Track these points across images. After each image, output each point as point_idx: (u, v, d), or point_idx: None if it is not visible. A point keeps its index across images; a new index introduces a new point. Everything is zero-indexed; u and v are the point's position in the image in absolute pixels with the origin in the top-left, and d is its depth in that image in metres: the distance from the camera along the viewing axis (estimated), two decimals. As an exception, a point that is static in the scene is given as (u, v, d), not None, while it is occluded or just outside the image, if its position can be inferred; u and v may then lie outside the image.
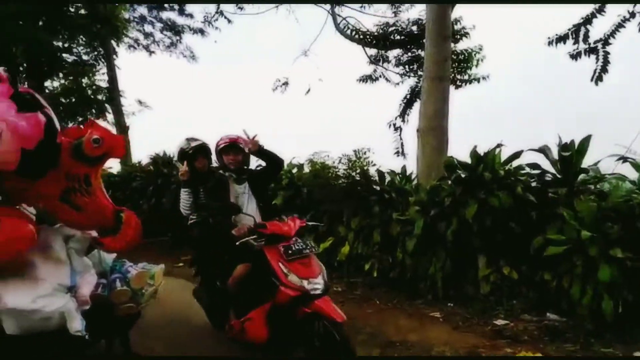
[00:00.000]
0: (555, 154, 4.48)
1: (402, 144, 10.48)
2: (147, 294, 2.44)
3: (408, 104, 10.42)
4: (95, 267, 2.36)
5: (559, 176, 4.44)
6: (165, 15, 13.78)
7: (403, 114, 10.47)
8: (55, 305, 1.90)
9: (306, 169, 6.65)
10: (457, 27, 9.67)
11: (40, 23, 10.27)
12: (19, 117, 1.83)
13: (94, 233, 2.32)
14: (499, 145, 4.69)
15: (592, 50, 5.91)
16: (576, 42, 5.98)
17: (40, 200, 2.24)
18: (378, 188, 5.60)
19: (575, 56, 6.07)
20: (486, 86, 10.50)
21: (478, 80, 10.39)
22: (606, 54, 5.84)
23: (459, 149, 4.84)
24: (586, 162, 4.39)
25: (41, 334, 1.88)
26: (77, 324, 1.93)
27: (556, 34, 6.07)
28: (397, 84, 11.07)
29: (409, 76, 10.85)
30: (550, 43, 6.17)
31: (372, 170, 5.88)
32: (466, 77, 10.43)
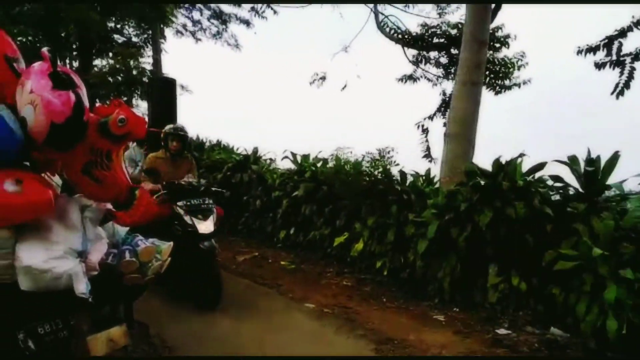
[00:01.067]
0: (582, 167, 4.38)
1: (428, 147, 10.29)
2: (154, 267, 2.58)
3: (443, 106, 10.29)
4: (108, 238, 2.54)
5: (581, 191, 4.35)
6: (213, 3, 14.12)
7: (433, 116, 10.35)
8: (64, 267, 2.08)
9: (330, 164, 6.72)
10: (498, 34, 9.48)
11: (96, 4, 10.76)
12: (53, 93, 2.01)
13: (109, 206, 2.50)
14: (521, 155, 4.63)
15: (618, 63, 5.71)
16: (608, 54, 5.77)
17: (64, 170, 2.44)
18: (399, 188, 5.59)
19: (600, 66, 5.87)
20: (529, 91, 10.25)
21: (519, 85, 10.15)
22: (632, 69, 5.63)
23: (492, 155, 4.74)
24: (614, 179, 4.29)
25: (51, 291, 2.07)
26: (82, 287, 2.10)
27: (587, 45, 5.88)
28: (435, 84, 10.95)
29: (447, 79, 10.70)
30: (579, 53, 5.98)
31: (395, 171, 5.92)
32: (507, 82, 10.21)
